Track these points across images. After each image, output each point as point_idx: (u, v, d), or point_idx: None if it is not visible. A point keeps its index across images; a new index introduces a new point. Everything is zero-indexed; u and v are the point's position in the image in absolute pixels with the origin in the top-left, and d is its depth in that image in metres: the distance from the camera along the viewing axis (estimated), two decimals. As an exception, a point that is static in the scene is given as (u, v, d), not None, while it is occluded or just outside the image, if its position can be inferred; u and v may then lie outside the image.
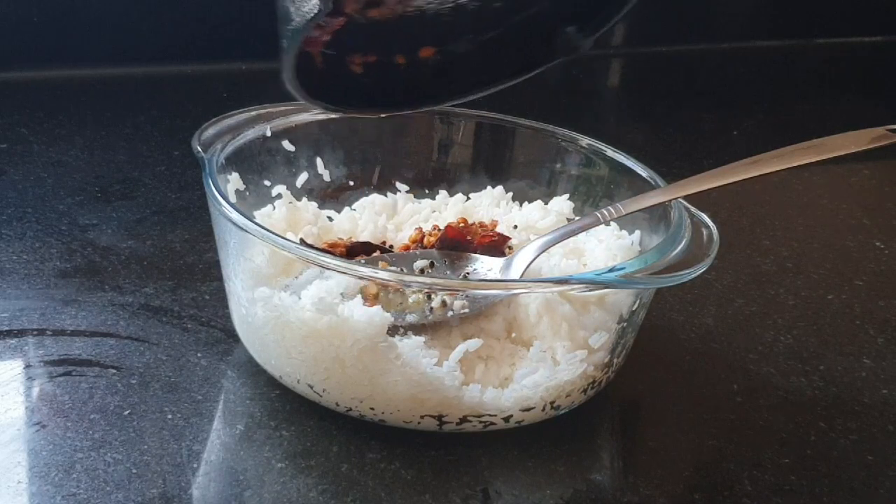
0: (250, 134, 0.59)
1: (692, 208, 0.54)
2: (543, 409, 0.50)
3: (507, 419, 0.49)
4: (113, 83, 0.95)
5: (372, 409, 0.49)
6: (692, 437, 0.52)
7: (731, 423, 0.54)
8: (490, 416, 0.49)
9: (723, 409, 0.55)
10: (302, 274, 0.51)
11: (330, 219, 0.61)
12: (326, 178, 0.63)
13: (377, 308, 0.48)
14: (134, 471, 0.46)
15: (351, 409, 0.49)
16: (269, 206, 0.59)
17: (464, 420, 0.49)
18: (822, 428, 0.54)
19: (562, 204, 0.62)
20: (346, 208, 0.63)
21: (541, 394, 0.49)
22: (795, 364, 0.60)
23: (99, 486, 0.44)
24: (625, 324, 0.52)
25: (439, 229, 0.59)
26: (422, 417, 0.49)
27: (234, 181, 0.57)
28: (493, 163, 0.65)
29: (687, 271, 0.48)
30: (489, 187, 0.64)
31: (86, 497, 0.44)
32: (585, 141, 0.63)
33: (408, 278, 0.51)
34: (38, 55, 0.93)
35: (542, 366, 0.49)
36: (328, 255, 0.50)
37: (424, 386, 0.47)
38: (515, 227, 0.60)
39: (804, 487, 0.50)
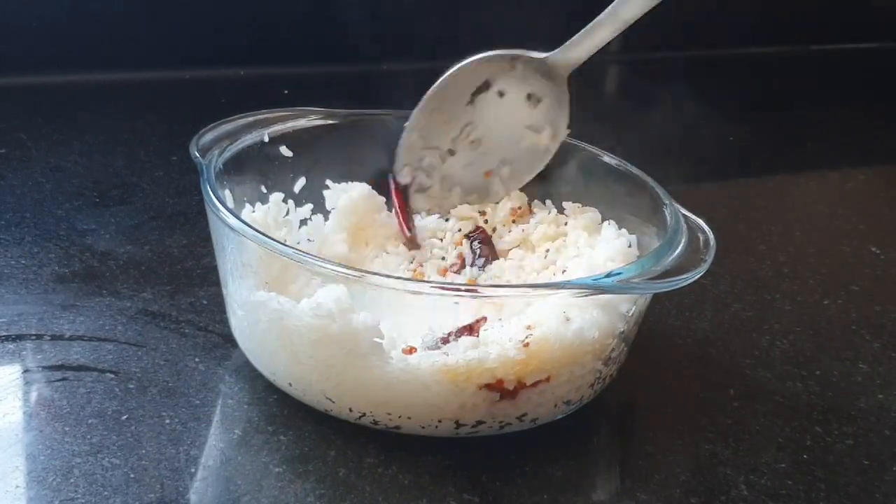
0: (248, 139, 0.59)
1: (688, 213, 0.55)
2: (556, 406, 0.50)
3: (521, 417, 0.49)
4: (111, 88, 0.95)
5: (388, 414, 0.48)
6: (689, 441, 0.53)
7: (727, 428, 0.54)
8: (505, 415, 0.49)
9: (719, 414, 0.55)
10: None
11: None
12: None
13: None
14: (132, 475, 0.46)
15: (364, 415, 0.49)
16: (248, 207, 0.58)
17: (479, 423, 0.49)
18: (819, 433, 0.55)
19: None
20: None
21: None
22: (792, 369, 0.60)
23: (97, 491, 0.44)
24: (621, 328, 0.52)
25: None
26: (439, 422, 0.49)
27: (230, 186, 0.57)
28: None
29: (683, 276, 0.48)
30: None
31: (84, 502, 0.44)
32: (582, 145, 0.63)
33: (410, 285, 0.51)
34: (37, 60, 0.93)
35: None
36: (325, 261, 0.49)
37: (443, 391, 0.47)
38: (494, 229, 0.61)
39: (800, 492, 0.50)
